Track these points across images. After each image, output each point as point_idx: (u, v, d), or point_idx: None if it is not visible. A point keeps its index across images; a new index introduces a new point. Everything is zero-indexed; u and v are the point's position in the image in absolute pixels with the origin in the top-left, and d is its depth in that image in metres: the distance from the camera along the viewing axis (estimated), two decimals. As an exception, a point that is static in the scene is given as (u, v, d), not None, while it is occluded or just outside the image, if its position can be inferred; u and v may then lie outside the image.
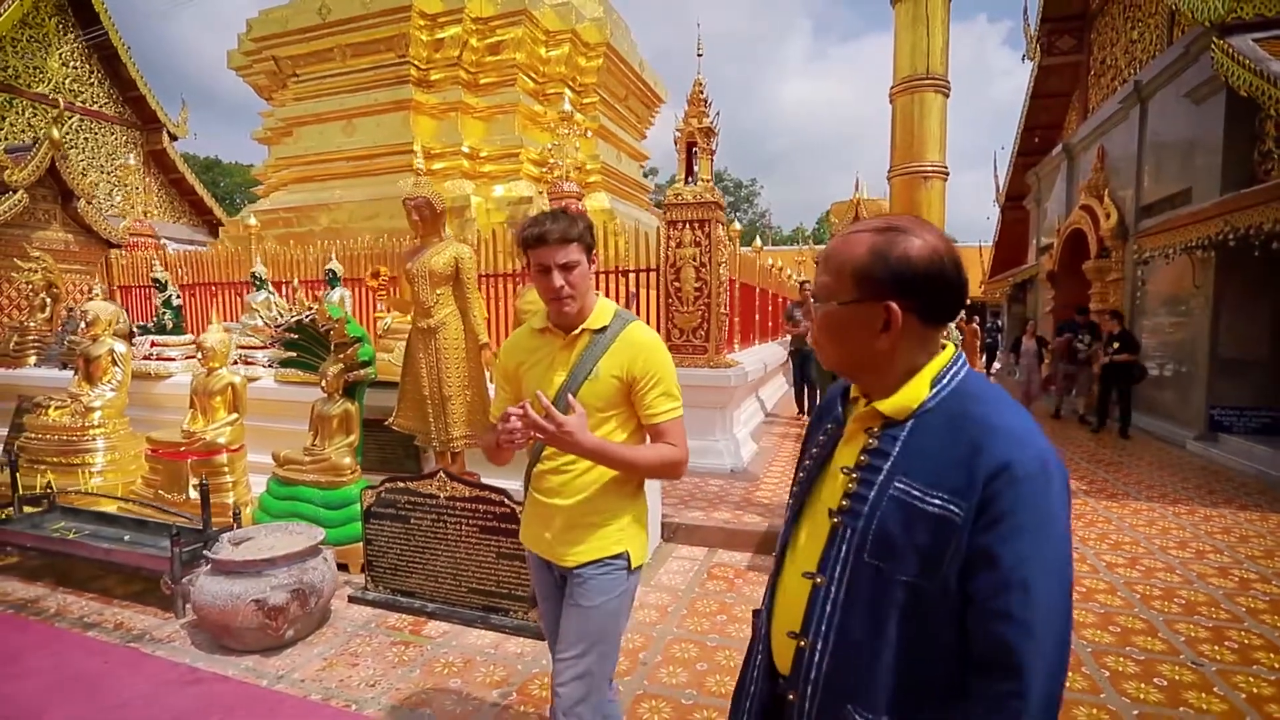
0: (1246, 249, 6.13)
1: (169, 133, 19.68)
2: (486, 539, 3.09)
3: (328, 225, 10.79)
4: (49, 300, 6.61)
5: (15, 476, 3.97)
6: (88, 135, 18.48)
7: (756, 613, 1.17)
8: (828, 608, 0.95)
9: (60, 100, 9.47)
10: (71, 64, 18.02)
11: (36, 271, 6.48)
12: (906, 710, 0.90)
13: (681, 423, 1.65)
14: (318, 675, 2.72)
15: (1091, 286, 10.09)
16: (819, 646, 0.95)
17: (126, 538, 3.76)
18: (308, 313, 3.93)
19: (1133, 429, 8.13)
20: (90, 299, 5.20)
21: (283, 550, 2.96)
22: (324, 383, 4.06)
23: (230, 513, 3.77)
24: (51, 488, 4.16)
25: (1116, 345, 7.82)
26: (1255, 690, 2.59)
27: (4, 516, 3.88)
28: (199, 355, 4.67)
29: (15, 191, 6.88)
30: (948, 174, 3.63)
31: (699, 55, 5.87)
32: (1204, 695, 2.55)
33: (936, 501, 0.86)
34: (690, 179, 5.80)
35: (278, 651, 2.90)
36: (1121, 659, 2.82)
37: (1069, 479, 0.86)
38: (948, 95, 3.63)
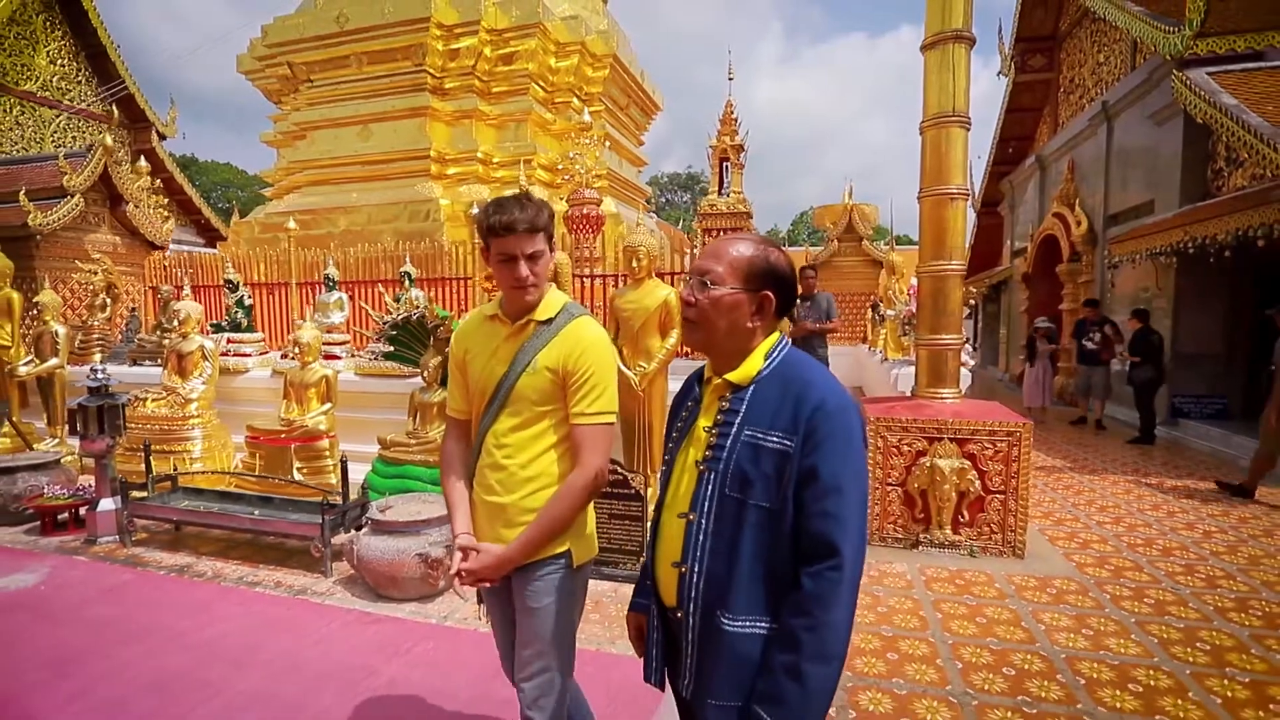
0: (1203, 256, 7.01)
1: (158, 132, 19.55)
2: (600, 503, 3.67)
3: (346, 227, 11.11)
4: (109, 300, 6.92)
5: (149, 461, 4.39)
6: (75, 134, 18.29)
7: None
8: (700, 537, 1.19)
9: (114, 112, 9.65)
10: (59, 61, 17.83)
11: (97, 273, 6.77)
12: (761, 608, 1.15)
13: (605, 433, 1.55)
14: (478, 614, 3.27)
15: (1064, 288, 11.03)
16: (696, 569, 1.19)
17: (255, 512, 4.22)
18: (415, 311, 4.43)
19: (1105, 417, 8.69)
20: (181, 299, 5.58)
21: (433, 514, 3.50)
22: (425, 374, 4.58)
23: (331, 491, 4.25)
24: (176, 469, 4.59)
25: (1128, 349, 7.46)
26: (1219, 605, 3.33)
27: (141, 496, 4.30)
28: (294, 350, 5.13)
29: (73, 196, 7.15)
30: (969, 196, 4.32)
31: (730, 79, 6.51)
32: (1182, 609, 3.28)
33: (775, 437, 1.13)
34: (722, 191, 6.44)
35: (432, 599, 3.43)
36: (1118, 587, 3.55)
37: (863, 413, 1.25)
38: (968, 129, 4.32)
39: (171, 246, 12.79)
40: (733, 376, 1.21)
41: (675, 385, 4.32)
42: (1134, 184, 9.26)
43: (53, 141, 17.36)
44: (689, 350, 6.62)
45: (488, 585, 1.58)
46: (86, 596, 3.52)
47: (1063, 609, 3.29)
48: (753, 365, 1.21)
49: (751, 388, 1.19)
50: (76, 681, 2.70)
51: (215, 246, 16.09)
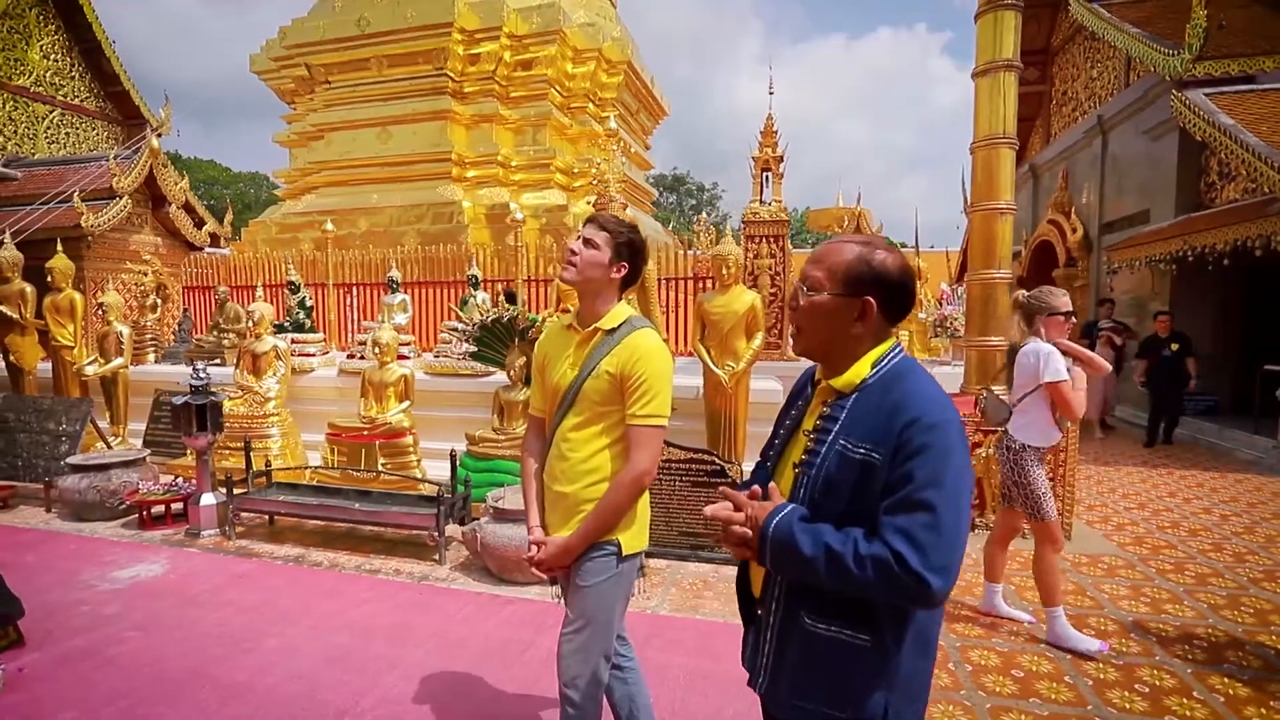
0: (1199, 263, 7.58)
1: (153, 129, 19.26)
2: (698, 490, 3.98)
3: (367, 229, 11.23)
4: (159, 301, 7.03)
5: (249, 457, 4.58)
6: (69, 130, 17.96)
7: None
8: None
9: (160, 112, 9.69)
10: (52, 57, 17.54)
11: (148, 274, 6.87)
12: (843, 615, 1.13)
13: (654, 435, 1.68)
14: (554, 595, 3.56)
15: (1059, 291, 11.62)
16: None
17: (357, 505, 4.45)
18: (506, 313, 4.69)
19: (1109, 416, 9.20)
20: (263, 303, 5.75)
21: (549, 503, 3.78)
22: (511, 373, 4.85)
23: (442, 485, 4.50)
24: (269, 465, 4.78)
25: (1176, 346, 7.48)
26: (1251, 576, 3.79)
27: (243, 492, 4.50)
28: (373, 350, 5.34)
29: (121, 197, 7.21)
30: (1015, 210, 4.73)
31: (770, 94, 6.85)
32: (1220, 580, 3.73)
33: (861, 450, 1.10)
34: (763, 200, 6.78)
35: (556, 581, 3.70)
36: (1160, 562, 3.99)
37: (965, 433, 1.22)
38: (1015, 150, 4.73)
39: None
40: (836, 383, 1.20)
41: (759, 384, 4.69)
42: (1129, 194, 9.85)
43: (46, 138, 17.09)
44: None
45: (558, 572, 1.80)
46: (219, 583, 3.73)
47: (1118, 581, 3.70)
48: (858, 371, 1.18)
49: (854, 396, 1.17)
50: (258, 657, 2.94)
51: (215, 245, 15.90)
